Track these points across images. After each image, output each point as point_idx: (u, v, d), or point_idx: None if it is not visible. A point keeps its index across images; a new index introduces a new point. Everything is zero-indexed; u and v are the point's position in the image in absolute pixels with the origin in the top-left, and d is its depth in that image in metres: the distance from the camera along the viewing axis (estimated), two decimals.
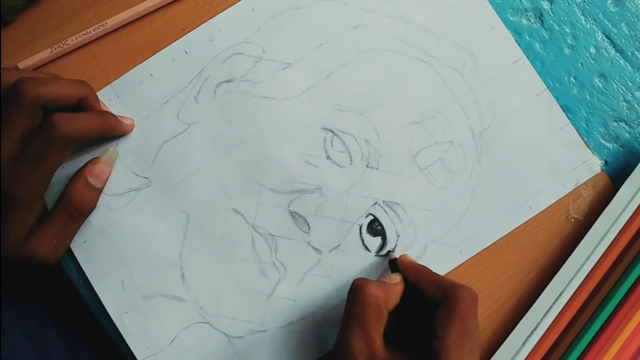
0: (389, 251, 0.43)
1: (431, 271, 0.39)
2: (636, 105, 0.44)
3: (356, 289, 0.37)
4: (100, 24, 0.44)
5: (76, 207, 0.41)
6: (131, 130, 0.44)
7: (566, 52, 0.45)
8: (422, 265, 0.40)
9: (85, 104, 0.41)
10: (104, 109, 0.43)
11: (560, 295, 0.41)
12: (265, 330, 0.43)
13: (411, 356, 0.36)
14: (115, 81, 0.44)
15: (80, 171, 0.42)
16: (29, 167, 0.38)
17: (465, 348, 0.35)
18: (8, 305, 0.41)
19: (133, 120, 0.44)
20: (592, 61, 0.44)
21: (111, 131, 0.42)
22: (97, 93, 0.44)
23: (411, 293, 0.39)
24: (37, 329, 0.43)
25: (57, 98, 0.39)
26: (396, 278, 0.39)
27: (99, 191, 0.43)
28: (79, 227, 0.43)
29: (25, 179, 0.39)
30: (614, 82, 0.44)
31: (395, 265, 0.41)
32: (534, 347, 0.41)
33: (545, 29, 0.45)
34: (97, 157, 0.43)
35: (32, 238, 0.40)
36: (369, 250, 0.43)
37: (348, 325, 0.37)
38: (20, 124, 0.38)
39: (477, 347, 0.36)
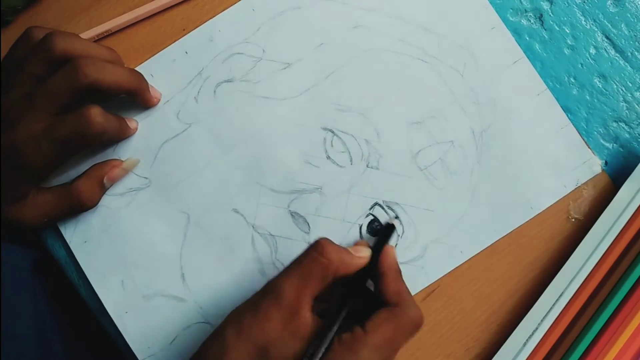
0: (396, 216, 0.43)
1: (401, 278, 0.39)
2: (636, 106, 0.44)
3: (315, 244, 0.36)
4: (105, 30, 0.44)
5: (81, 202, 0.42)
6: (134, 133, 0.44)
7: (566, 52, 0.45)
8: (399, 269, 0.39)
9: (135, 98, 0.42)
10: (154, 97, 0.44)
11: (561, 295, 0.41)
12: None
13: (328, 329, 0.35)
14: None
15: (97, 169, 0.42)
16: (53, 144, 0.39)
17: (380, 355, 0.35)
18: (8, 305, 0.41)
19: (137, 122, 0.44)
20: (592, 61, 0.45)
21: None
22: None
23: (369, 277, 0.38)
24: (36, 329, 0.43)
25: (109, 88, 0.40)
26: (363, 253, 0.38)
27: (105, 191, 0.43)
28: (72, 215, 0.43)
29: (47, 153, 0.39)
30: (614, 82, 0.44)
31: (382, 238, 0.40)
32: (534, 348, 0.41)
33: (545, 30, 0.45)
34: (117, 160, 0.43)
35: (25, 202, 0.40)
36: None
37: (290, 271, 0.36)
38: (64, 97, 0.39)
39: None
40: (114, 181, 0.43)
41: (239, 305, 0.36)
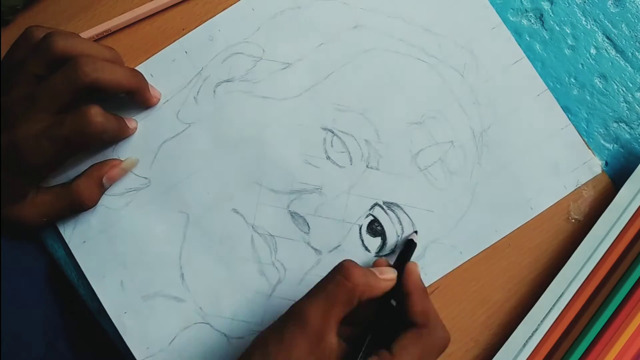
0: (415, 231, 0.43)
1: (428, 296, 0.38)
2: (636, 106, 0.44)
3: (340, 267, 0.36)
4: (105, 30, 0.44)
5: (81, 202, 0.42)
6: (133, 133, 0.44)
7: (566, 52, 0.44)
8: (424, 287, 0.39)
9: (135, 97, 0.42)
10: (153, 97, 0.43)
11: (561, 296, 0.41)
12: None
13: (354, 353, 0.35)
14: None
15: (96, 169, 0.42)
16: (54, 143, 0.38)
17: None
18: (7, 305, 0.41)
19: (136, 122, 0.44)
20: (593, 62, 0.44)
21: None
22: None
23: (392, 297, 0.38)
24: (36, 330, 0.42)
25: (109, 87, 0.40)
26: (389, 274, 0.38)
27: (104, 191, 0.43)
28: (72, 215, 0.43)
29: (48, 151, 0.39)
30: (615, 82, 0.44)
31: (404, 255, 0.40)
32: (534, 349, 0.41)
33: (546, 30, 0.45)
34: (116, 160, 0.43)
35: (25, 201, 0.40)
36: (368, 250, 0.43)
37: (315, 294, 0.36)
38: (62, 98, 0.39)
39: None
40: (113, 181, 0.43)
41: (263, 331, 0.36)
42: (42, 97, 0.38)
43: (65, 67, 0.38)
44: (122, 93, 0.41)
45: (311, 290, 0.36)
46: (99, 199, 0.43)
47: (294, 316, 0.35)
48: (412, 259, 0.42)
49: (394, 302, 0.38)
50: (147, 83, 0.43)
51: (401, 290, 0.38)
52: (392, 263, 0.41)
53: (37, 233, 0.44)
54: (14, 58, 0.40)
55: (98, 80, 0.39)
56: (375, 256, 0.43)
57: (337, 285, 0.35)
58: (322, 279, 0.37)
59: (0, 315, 0.40)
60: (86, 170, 0.43)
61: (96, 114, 0.39)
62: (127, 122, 0.43)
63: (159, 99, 0.44)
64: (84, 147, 0.41)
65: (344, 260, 0.37)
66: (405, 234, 0.43)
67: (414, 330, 0.36)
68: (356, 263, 0.37)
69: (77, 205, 0.42)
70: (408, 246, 0.41)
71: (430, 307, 0.38)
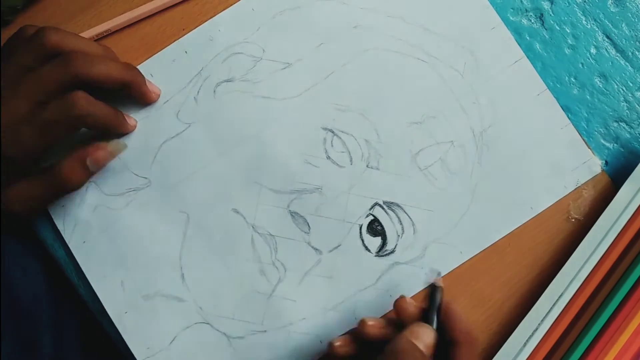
0: (438, 275, 0.41)
1: (459, 313, 0.38)
2: (636, 106, 0.44)
3: (398, 349, 0.36)
4: (104, 30, 0.44)
5: (63, 182, 0.41)
6: (133, 130, 0.44)
7: (567, 52, 0.44)
8: (453, 307, 0.39)
9: (131, 92, 0.42)
10: (152, 92, 0.43)
11: (561, 296, 0.41)
12: (265, 331, 0.43)
13: None
14: None
15: (79, 150, 0.41)
16: (34, 128, 0.38)
17: None
18: (7, 306, 0.41)
19: (136, 121, 0.44)
20: (593, 61, 0.44)
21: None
22: None
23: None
24: (36, 330, 0.43)
25: (100, 80, 0.39)
26: (431, 335, 0.37)
27: (91, 175, 0.42)
28: (58, 199, 0.43)
29: (27, 139, 0.38)
30: (615, 82, 0.44)
31: (433, 302, 0.39)
32: (535, 348, 0.41)
33: (546, 29, 0.45)
34: (102, 143, 0.42)
35: (9, 189, 0.40)
36: (369, 250, 0.43)
37: None
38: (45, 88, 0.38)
39: None
40: (99, 164, 0.42)
41: None
42: (27, 85, 0.38)
43: (55, 60, 0.38)
44: (115, 87, 0.41)
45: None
46: (85, 181, 0.42)
47: None
48: (412, 259, 0.42)
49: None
50: (142, 77, 0.42)
51: (449, 338, 0.38)
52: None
53: (30, 225, 0.44)
54: (5, 53, 0.40)
55: (88, 74, 0.39)
56: (375, 256, 0.43)
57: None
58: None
59: (0, 315, 0.40)
60: (69, 152, 0.41)
61: (80, 97, 0.39)
62: (126, 118, 0.43)
63: (159, 95, 0.44)
64: (68, 130, 0.39)
65: (399, 341, 0.36)
66: (406, 233, 0.43)
67: (461, 346, 0.37)
68: (412, 341, 0.36)
69: (61, 187, 0.41)
70: (433, 293, 0.39)
71: (467, 324, 0.38)
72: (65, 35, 0.40)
